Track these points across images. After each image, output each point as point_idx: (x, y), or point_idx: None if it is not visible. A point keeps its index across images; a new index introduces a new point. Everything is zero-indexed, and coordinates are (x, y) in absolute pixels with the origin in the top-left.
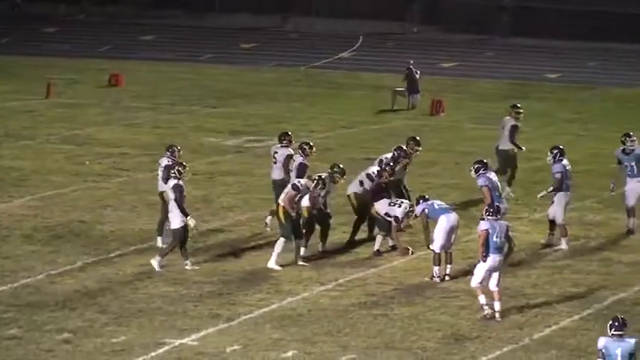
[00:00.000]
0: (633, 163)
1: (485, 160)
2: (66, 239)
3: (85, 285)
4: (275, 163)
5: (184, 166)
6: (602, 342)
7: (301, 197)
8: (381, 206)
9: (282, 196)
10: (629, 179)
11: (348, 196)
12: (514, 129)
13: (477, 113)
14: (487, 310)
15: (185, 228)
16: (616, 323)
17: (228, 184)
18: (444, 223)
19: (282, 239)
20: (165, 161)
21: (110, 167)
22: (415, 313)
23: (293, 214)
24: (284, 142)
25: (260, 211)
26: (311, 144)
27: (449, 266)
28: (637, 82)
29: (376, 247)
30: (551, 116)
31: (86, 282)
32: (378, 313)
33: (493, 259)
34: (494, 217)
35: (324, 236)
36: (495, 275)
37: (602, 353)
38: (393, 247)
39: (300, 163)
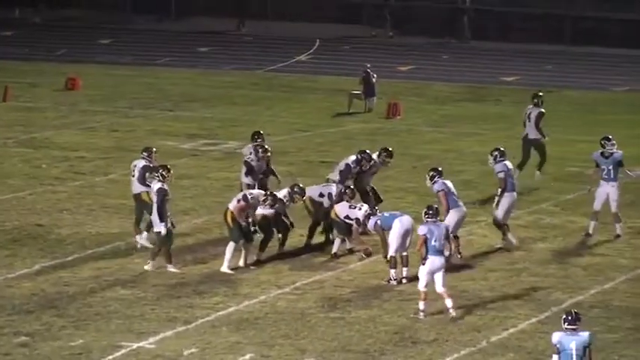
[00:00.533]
0: (610, 167)
1: (439, 168)
2: (23, 243)
3: (43, 288)
4: None
5: (169, 170)
6: (556, 337)
7: (254, 208)
8: (340, 209)
9: (233, 202)
10: (604, 182)
11: (304, 199)
12: (541, 115)
13: (434, 116)
14: (421, 315)
15: (169, 230)
16: (569, 317)
17: (185, 188)
18: (398, 226)
19: (231, 243)
20: (141, 163)
21: (67, 171)
22: (372, 315)
23: (243, 224)
24: (258, 140)
25: (216, 214)
26: (266, 147)
27: (405, 269)
28: (592, 85)
29: (334, 250)
30: (508, 120)
31: (43, 285)
32: (335, 316)
33: (432, 261)
34: (433, 220)
35: (283, 239)
36: (439, 277)
37: (557, 348)
38: (350, 251)
39: (246, 161)
